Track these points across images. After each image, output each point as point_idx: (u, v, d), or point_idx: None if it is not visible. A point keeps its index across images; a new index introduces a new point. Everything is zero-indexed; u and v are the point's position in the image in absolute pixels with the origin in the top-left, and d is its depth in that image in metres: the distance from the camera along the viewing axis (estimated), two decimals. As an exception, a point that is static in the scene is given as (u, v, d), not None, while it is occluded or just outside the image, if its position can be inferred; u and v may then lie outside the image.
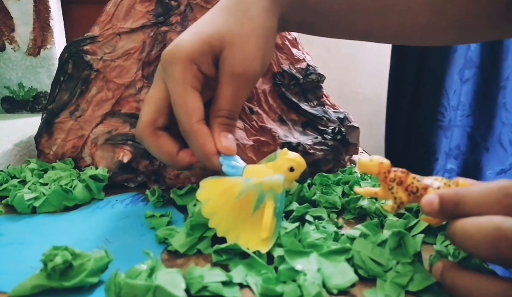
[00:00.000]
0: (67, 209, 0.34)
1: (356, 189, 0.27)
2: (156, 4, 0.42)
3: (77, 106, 0.41)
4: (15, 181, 0.36)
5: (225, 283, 0.22)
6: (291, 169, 0.29)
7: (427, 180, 0.24)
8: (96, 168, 0.38)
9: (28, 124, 0.50)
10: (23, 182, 0.37)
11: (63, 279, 0.22)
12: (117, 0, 0.43)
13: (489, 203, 0.19)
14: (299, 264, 0.23)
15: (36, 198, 0.33)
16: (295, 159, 0.29)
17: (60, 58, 0.42)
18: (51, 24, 0.54)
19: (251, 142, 0.38)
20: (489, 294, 0.19)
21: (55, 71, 0.57)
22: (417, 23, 0.35)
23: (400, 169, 0.25)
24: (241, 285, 0.23)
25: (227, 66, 0.30)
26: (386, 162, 0.25)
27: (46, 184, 0.36)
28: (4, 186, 0.36)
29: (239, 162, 0.30)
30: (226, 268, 0.24)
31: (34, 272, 0.23)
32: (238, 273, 0.23)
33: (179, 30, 0.42)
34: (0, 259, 0.26)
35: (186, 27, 0.42)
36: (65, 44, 0.60)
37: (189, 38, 0.31)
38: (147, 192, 0.35)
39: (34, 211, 0.33)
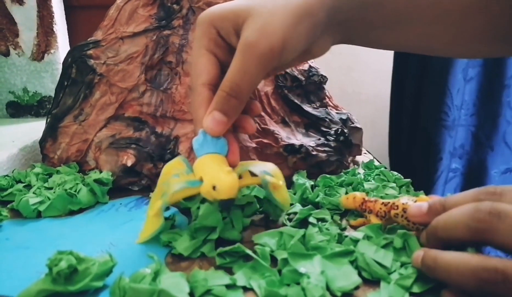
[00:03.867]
0: (71, 213, 0.34)
1: (353, 222, 0.31)
2: (158, 8, 0.42)
3: (81, 110, 0.41)
4: (20, 186, 0.37)
5: (229, 286, 0.22)
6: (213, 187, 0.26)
7: (397, 201, 0.27)
8: (100, 172, 0.38)
9: (32, 129, 0.51)
10: (28, 186, 0.37)
11: (68, 284, 0.22)
12: (119, 4, 0.43)
13: (466, 199, 0.23)
14: (302, 266, 0.23)
15: (41, 202, 0.33)
16: (223, 181, 0.26)
17: (63, 63, 0.42)
18: (54, 29, 0.55)
19: (253, 145, 0.38)
20: (468, 267, 0.20)
21: (59, 75, 0.57)
22: (471, 33, 0.32)
23: (370, 199, 0.29)
24: (245, 288, 0.23)
25: (243, 34, 0.27)
26: (359, 195, 0.30)
27: (51, 188, 0.36)
28: (9, 190, 0.36)
29: (212, 143, 0.28)
30: (230, 271, 0.24)
31: (40, 276, 0.23)
32: (242, 276, 0.24)
33: (181, 34, 0.42)
34: (6, 263, 0.27)
35: (188, 31, 0.42)
36: (68, 48, 0.60)
37: (219, 5, 0.29)
38: (151, 195, 0.35)
39: (39, 215, 0.33)
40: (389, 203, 0.27)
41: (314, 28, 0.29)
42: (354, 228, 0.30)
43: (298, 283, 0.22)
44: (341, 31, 0.31)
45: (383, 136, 1.18)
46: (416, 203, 0.25)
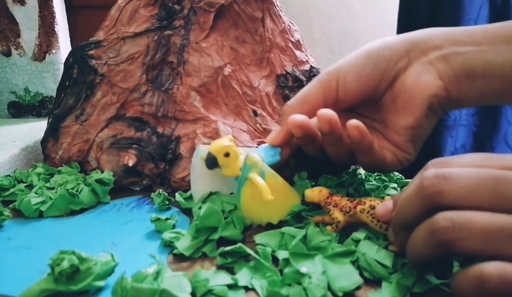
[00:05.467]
0: (73, 213, 0.34)
1: (312, 219, 0.30)
2: (160, 8, 0.42)
3: (83, 110, 0.41)
4: (22, 185, 0.37)
5: (231, 286, 0.23)
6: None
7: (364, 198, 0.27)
8: (102, 172, 0.38)
9: (34, 129, 0.51)
10: (30, 186, 0.37)
11: (70, 283, 0.22)
12: (121, 4, 0.43)
13: (416, 178, 0.22)
14: (304, 266, 0.23)
15: (43, 202, 0.33)
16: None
17: (65, 63, 0.42)
18: (56, 29, 0.55)
19: (255, 145, 0.38)
20: (422, 228, 0.20)
21: (60, 76, 0.57)
22: None
23: (336, 194, 0.29)
24: (247, 288, 0.23)
25: None
26: (325, 190, 0.29)
27: (52, 188, 0.36)
28: (11, 190, 0.36)
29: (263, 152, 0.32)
30: (231, 271, 0.24)
31: (42, 276, 0.23)
32: (243, 276, 0.24)
33: (182, 34, 0.42)
34: (8, 263, 0.27)
35: (189, 31, 0.42)
36: (69, 49, 0.60)
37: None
38: (153, 195, 0.36)
39: (41, 215, 0.33)
40: (354, 199, 0.27)
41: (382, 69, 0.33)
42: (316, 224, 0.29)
43: (299, 283, 0.23)
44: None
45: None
46: (382, 203, 0.25)
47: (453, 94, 0.31)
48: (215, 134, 0.38)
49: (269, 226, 0.30)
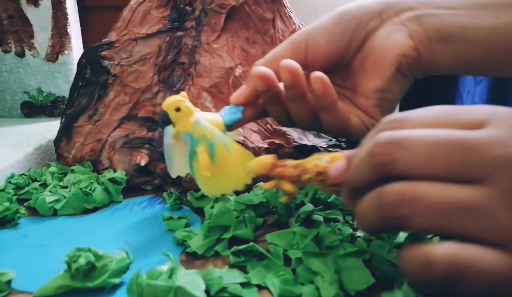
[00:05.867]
0: (87, 211, 0.35)
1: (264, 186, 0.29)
2: (171, 9, 0.43)
3: (95, 110, 0.42)
4: (36, 184, 0.37)
5: (244, 285, 0.23)
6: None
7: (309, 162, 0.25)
8: (114, 171, 0.39)
9: (47, 129, 0.51)
10: (44, 185, 0.38)
11: (86, 280, 0.23)
12: (133, 6, 0.44)
13: (371, 136, 0.20)
14: (316, 266, 0.24)
15: (57, 201, 0.34)
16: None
17: (78, 64, 0.43)
18: (68, 31, 0.56)
19: (265, 145, 0.39)
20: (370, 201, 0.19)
21: (72, 76, 0.58)
22: None
23: (279, 164, 0.27)
24: (259, 287, 0.23)
25: None
26: (268, 160, 0.27)
27: (66, 187, 0.37)
28: (26, 189, 0.37)
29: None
30: (244, 270, 0.25)
31: (58, 272, 0.24)
32: (256, 274, 0.24)
33: (194, 35, 0.42)
34: (25, 260, 0.27)
35: (200, 32, 0.42)
36: (82, 49, 0.61)
37: None
38: (165, 194, 0.36)
39: (55, 213, 0.34)
40: (299, 166, 0.26)
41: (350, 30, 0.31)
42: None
43: (312, 282, 0.23)
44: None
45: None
46: (334, 165, 0.23)
47: (424, 56, 0.29)
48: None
49: (280, 226, 0.31)
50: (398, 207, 0.17)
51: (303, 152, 0.39)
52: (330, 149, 0.41)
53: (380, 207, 0.18)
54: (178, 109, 0.29)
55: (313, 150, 0.40)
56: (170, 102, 0.29)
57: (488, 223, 0.16)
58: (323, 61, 0.31)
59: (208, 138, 0.29)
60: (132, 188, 0.39)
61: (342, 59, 0.31)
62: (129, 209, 0.35)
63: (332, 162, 0.24)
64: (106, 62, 0.42)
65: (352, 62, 0.32)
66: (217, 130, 0.30)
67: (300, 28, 0.44)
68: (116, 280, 0.23)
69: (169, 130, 0.31)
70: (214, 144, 0.29)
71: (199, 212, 0.34)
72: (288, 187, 0.26)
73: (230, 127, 0.31)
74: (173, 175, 0.33)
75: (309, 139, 0.41)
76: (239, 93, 0.31)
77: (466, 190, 0.17)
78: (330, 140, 0.42)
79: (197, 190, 0.36)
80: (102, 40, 0.43)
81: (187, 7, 0.43)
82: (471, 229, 0.16)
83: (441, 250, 0.16)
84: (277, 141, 0.39)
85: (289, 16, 0.44)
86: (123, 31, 0.43)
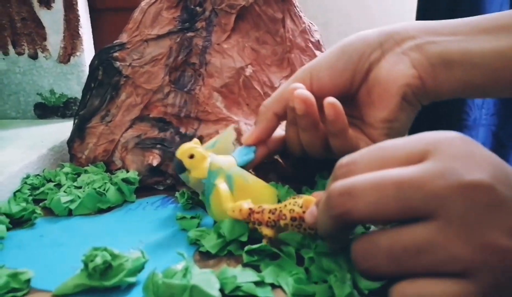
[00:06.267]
0: (100, 211, 0.35)
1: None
2: (182, 10, 0.43)
3: (108, 111, 0.42)
4: (51, 185, 0.38)
5: (258, 283, 0.23)
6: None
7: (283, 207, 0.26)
8: (127, 171, 0.39)
9: (59, 130, 0.52)
10: (58, 185, 0.38)
11: (103, 279, 0.23)
12: (144, 7, 0.44)
13: (328, 184, 0.22)
14: (329, 265, 0.24)
15: (72, 201, 0.34)
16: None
17: (90, 65, 0.44)
18: (80, 32, 0.56)
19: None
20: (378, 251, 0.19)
21: (84, 77, 0.59)
22: None
23: (256, 210, 0.27)
24: (273, 286, 0.23)
25: None
26: (244, 208, 0.27)
27: (80, 187, 0.37)
28: (41, 189, 0.37)
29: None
30: (257, 269, 0.25)
31: (75, 271, 0.24)
32: (270, 273, 0.24)
33: (204, 36, 0.42)
34: (42, 259, 0.28)
35: (211, 33, 0.43)
36: (93, 51, 0.62)
37: None
38: (177, 194, 0.36)
39: (70, 213, 0.34)
40: (276, 210, 0.26)
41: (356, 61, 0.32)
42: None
43: (325, 281, 0.23)
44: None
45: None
46: (308, 212, 0.24)
47: (428, 84, 0.30)
48: (238, 135, 0.38)
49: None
50: (344, 211, 0.19)
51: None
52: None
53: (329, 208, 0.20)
54: (191, 157, 0.30)
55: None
56: (183, 150, 0.30)
57: (444, 256, 0.17)
58: (328, 94, 0.30)
59: (225, 170, 0.30)
60: (144, 187, 0.39)
61: (347, 91, 0.32)
62: (142, 208, 0.35)
63: (305, 206, 0.24)
64: (118, 63, 0.42)
65: (358, 93, 0.32)
66: (233, 163, 0.31)
67: (309, 28, 0.45)
68: (132, 279, 0.24)
69: (186, 178, 0.31)
70: (231, 176, 0.30)
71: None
72: (266, 231, 0.26)
73: (243, 168, 0.31)
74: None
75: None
76: (249, 135, 0.33)
77: (417, 228, 0.18)
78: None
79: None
80: (114, 42, 0.44)
81: (198, 8, 0.43)
82: (429, 265, 0.17)
83: (409, 292, 0.18)
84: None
85: (299, 15, 0.44)
86: (134, 33, 0.43)
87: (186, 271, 0.23)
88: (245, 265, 0.26)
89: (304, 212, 0.24)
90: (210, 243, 0.28)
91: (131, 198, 0.37)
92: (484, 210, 0.17)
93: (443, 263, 0.17)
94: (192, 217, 0.31)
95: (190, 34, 0.42)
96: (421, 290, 0.17)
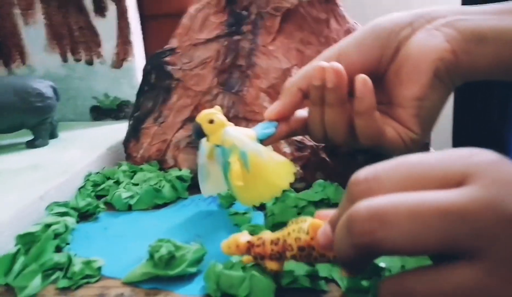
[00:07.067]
0: (157, 207, 0.37)
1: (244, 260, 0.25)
2: (229, 15, 0.45)
3: (160, 113, 0.45)
4: (111, 182, 0.41)
5: (313, 277, 0.24)
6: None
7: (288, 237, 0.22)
8: (179, 169, 0.41)
9: (114, 131, 0.56)
10: (117, 182, 0.41)
11: (167, 268, 0.25)
12: (192, 13, 0.46)
13: (343, 204, 0.19)
14: (382, 262, 0.24)
15: (131, 197, 0.37)
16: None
17: (144, 70, 0.46)
18: (131, 39, 0.60)
19: (322, 144, 0.40)
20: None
21: (135, 81, 0.62)
22: None
23: (256, 243, 0.23)
24: (327, 279, 0.24)
25: None
26: (242, 242, 0.23)
27: (137, 184, 0.40)
28: (102, 186, 0.40)
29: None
30: (310, 263, 0.26)
31: (139, 261, 0.26)
32: (323, 268, 0.25)
33: (250, 38, 0.44)
34: (109, 249, 0.30)
35: (257, 35, 0.44)
36: (143, 56, 0.65)
37: None
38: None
39: (129, 208, 0.37)
40: (279, 240, 0.22)
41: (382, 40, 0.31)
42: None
43: (379, 276, 0.23)
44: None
45: (445, 136, 1.13)
46: (321, 231, 0.20)
47: (462, 59, 0.28)
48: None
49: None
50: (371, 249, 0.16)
51: (362, 151, 0.40)
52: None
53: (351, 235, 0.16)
54: (211, 122, 0.30)
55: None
56: (203, 115, 0.31)
57: None
58: (356, 73, 0.29)
59: (239, 147, 0.29)
60: (196, 185, 0.41)
61: (375, 71, 0.31)
62: (195, 204, 0.37)
63: (312, 231, 0.21)
64: (169, 67, 0.45)
65: (386, 74, 0.31)
66: (248, 139, 0.30)
67: (354, 27, 0.45)
68: (193, 269, 0.25)
69: (203, 150, 0.32)
70: (246, 153, 0.29)
71: (261, 208, 0.35)
72: (272, 265, 0.23)
73: (262, 142, 0.31)
74: (205, 194, 0.35)
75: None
76: (271, 109, 0.31)
77: (461, 270, 0.15)
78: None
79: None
80: (165, 47, 0.46)
81: (244, 12, 0.44)
82: None
83: None
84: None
85: (343, 15, 0.44)
86: (184, 38, 0.46)
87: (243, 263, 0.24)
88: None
89: (312, 239, 0.21)
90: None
91: (184, 195, 0.39)
92: None
93: None
94: (244, 213, 0.33)
95: (237, 37, 0.44)
96: None
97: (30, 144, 0.50)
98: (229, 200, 0.36)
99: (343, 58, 0.30)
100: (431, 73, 0.28)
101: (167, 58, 0.45)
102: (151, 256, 0.25)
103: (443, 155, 0.17)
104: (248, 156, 0.29)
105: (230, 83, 0.44)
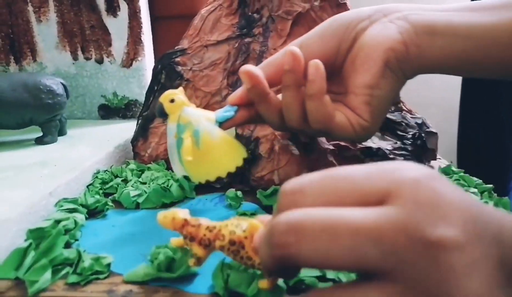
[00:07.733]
0: (164, 205, 0.38)
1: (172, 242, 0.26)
2: (240, 17, 0.45)
3: (169, 113, 0.45)
4: (119, 180, 0.41)
5: (320, 278, 0.24)
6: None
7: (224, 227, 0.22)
8: (187, 169, 0.41)
9: (123, 129, 0.56)
10: (125, 181, 0.41)
11: (169, 271, 0.25)
12: (204, 15, 0.46)
13: (274, 212, 0.19)
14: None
15: (139, 195, 0.37)
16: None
17: (154, 69, 0.47)
18: (142, 39, 0.60)
19: (331, 147, 0.40)
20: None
21: (144, 81, 0.63)
22: None
23: (192, 222, 0.23)
24: (334, 282, 0.24)
25: None
26: (179, 217, 0.24)
27: (144, 183, 0.40)
28: (110, 184, 0.40)
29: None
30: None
31: (144, 258, 0.27)
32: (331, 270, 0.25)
33: (261, 41, 0.44)
34: (116, 246, 0.30)
35: (267, 38, 0.44)
36: (153, 56, 0.65)
37: None
38: (226, 193, 0.38)
39: (137, 206, 0.37)
40: (214, 228, 0.22)
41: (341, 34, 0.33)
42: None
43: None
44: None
45: (450, 141, 1.13)
46: (256, 235, 0.21)
47: (412, 51, 0.29)
48: (293, 135, 0.40)
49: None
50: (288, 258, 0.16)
51: (369, 155, 0.40)
52: (395, 152, 0.41)
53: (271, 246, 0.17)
54: (172, 101, 0.32)
55: (379, 153, 0.40)
56: (165, 94, 0.32)
57: None
58: None
59: (193, 124, 0.31)
60: (202, 185, 0.41)
61: (334, 61, 0.32)
62: (202, 204, 0.38)
63: (249, 232, 0.21)
64: (180, 67, 0.45)
65: (344, 64, 0.32)
66: (204, 120, 0.32)
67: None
68: (196, 269, 0.26)
69: (171, 130, 0.33)
70: (199, 131, 0.31)
71: (268, 209, 0.35)
72: (197, 250, 0.23)
73: (221, 124, 0.32)
74: (178, 174, 0.35)
75: (374, 141, 0.41)
76: (234, 94, 0.33)
77: (371, 290, 0.15)
78: (396, 143, 0.42)
79: (265, 188, 0.38)
80: (175, 47, 0.46)
81: (255, 15, 0.45)
82: None
83: None
84: (342, 143, 0.40)
85: (354, 20, 0.45)
86: (195, 39, 0.46)
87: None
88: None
89: (246, 238, 0.21)
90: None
91: (191, 195, 0.39)
92: (448, 275, 0.14)
93: None
94: (252, 214, 0.33)
95: (247, 39, 0.44)
96: None
97: (39, 141, 0.50)
98: (237, 200, 0.36)
99: (304, 49, 0.31)
100: (382, 62, 0.29)
101: (178, 59, 0.46)
102: (152, 263, 0.26)
103: (370, 170, 0.17)
104: (201, 134, 0.31)
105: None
